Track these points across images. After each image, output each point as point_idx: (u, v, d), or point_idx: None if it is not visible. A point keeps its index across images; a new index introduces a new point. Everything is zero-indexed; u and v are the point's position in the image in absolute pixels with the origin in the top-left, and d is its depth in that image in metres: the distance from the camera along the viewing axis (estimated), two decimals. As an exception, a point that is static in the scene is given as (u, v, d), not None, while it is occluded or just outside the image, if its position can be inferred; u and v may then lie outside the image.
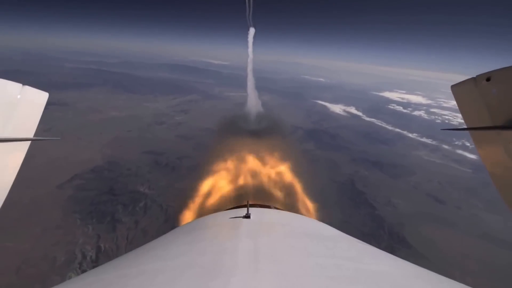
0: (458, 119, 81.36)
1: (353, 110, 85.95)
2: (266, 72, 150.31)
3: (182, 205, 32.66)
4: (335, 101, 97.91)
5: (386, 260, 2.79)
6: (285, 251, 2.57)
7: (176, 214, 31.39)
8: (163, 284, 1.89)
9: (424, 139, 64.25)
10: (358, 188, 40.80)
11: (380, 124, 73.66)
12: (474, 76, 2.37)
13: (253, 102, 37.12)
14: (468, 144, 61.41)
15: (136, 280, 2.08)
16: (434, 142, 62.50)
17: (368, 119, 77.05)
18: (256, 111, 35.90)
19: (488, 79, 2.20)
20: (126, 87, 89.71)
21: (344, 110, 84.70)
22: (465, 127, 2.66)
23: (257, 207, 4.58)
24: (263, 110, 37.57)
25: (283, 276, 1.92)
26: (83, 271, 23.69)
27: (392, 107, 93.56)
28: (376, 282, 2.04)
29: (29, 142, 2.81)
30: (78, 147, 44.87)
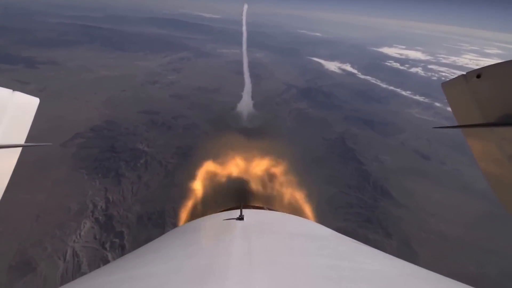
0: (455, 75, 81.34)
1: (348, 67, 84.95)
2: (260, 26, 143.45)
3: (181, 162, 34.81)
4: (331, 58, 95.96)
5: (381, 259, 2.84)
6: (279, 252, 2.58)
7: (175, 170, 33.72)
8: None
9: (417, 97, 65.22)
10: (348, 146, 42.88)
11: (375, 82, 73.69)
12: (464, 72, 2.38)
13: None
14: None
15: (129, 284, 2.08)
16: (427, 100, 63.63)
17: (363, 77, 76.73)
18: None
19: (478, 76, 2.20)
20: (115, 44, 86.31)
21: (340, 68, 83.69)
22: (457, 124, 2.66)
23: (250, 208, 4.62)
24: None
25: (278, 277, 1.92)
26: (96, 219, 26.44)
27: (389, 64, 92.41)
28: (370, 281, 2.06)
29: (20, 149, 2.75)
30: (75, 107, 45.33)
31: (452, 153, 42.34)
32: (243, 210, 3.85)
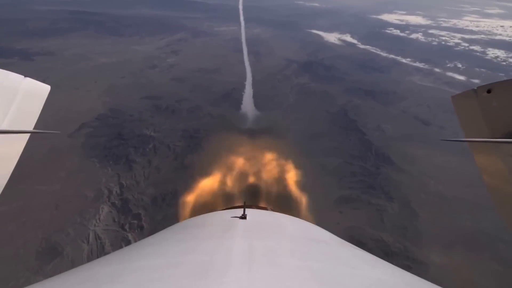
0: (455, 40, 79.48)
1: (348, 38, 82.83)
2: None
3: (188, 145, 35.73)
4: (330, 29, 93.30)
5: (380, 267, 2.82)
6: (279, 253, 2.56)
7: (184, 152, 34.74)
8: (153, 282, 1.91)
9: (417, 64, 64.25)
10: (350, 117, 43.29)
11: (375, 51, 72.18)
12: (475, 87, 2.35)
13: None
14: (460, 66, 61.91)
15: (126, 277, 2.08)
16: (426, 66, 62.72)
17: (363, 46, 75.05)
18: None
19: (489, 91, 2.18)
20: (109, 29, 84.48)
21: (339, 39, 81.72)
22: (464, 138, 2.60)
23: (253, 208, 4.64)
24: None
25: (276, 278, 1.92)
26: (112, 203, 27.88)
27: (389, 31, 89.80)
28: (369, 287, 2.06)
29: (28, 135, 2.76)
30: (77, 97, 45.76)
31: (452, 118, 42.61)
32: (246, 209, 3.84)
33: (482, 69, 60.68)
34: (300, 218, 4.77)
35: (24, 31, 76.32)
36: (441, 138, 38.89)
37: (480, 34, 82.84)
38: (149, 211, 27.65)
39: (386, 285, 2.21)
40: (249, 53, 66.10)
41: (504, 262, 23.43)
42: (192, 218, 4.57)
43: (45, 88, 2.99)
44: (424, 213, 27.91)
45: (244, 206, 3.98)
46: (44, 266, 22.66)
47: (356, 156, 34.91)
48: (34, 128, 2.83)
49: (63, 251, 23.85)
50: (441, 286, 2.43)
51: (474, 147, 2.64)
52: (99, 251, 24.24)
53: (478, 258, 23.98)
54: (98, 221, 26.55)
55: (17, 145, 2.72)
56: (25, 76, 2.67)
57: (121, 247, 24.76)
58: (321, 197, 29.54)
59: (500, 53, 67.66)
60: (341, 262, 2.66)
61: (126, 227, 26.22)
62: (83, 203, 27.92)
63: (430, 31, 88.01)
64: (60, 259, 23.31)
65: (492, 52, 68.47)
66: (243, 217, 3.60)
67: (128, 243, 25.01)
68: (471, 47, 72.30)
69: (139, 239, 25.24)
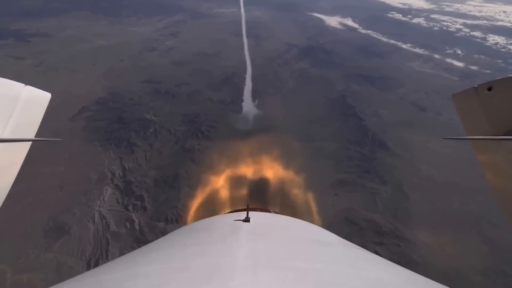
0: (457, 25, 78.57)
1: (349, 22, 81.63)
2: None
3: (188, 129, 36.25)
4: (332, 12, 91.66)
5: (386, 267, 2.80)
6: (283, 256, 2.55)
7: (184, 137, 35.34)
8: (158, 287, 1.91)
9: (417, 50, 63.99)
10: (349, 103, 43.74)
11: (376, 36, 71.52)
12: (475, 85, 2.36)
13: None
14: (459, 52, 61.79)
15: (131, 282, 2.09)
16: (426, 52, 62.53)
17: (364, 31, 74.21)
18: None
19: (489, 89, 2.16)
20: (105, 10, 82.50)
21: (340, 23, 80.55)
22: (466, 136, 2.62)
23: (257, 211, 4.65)
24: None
25: (281, 281, 1.91)
26: (116, 185, 28.76)
27: (391, 15, 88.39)
28: None
29: (30, 143, 2.74)
30: (76, 80, 45.65)
31: (448, 104, 43.16)
32: (250, 212, 3.84)
33: (481, 56, 60.67)
34: (302, 216, 4.97)
35: (18, 11, 74.44)
36: (436, 124, 39.63)
37: (482, 20, 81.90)
38: (152, 193, 28.59)
39: (392, 286, 2.21)
40: (249, 36, 65.34)
41: (489, 242, 24.82)
42: (196, 222, 4.59)
43: (46, 96, 2.96)
44: (415, 196, 29.12)
45: (247, 209, 3.99)
46: (53, 244, 23.77)
47: (353, 141, 35.73)
48: (35, 136, 2.80)
49: (70, 229, 24.92)
50: (442, 283, 2.40)
51: (476, 144, 2.62)
52: (105, 230, 25.35)
53: (464, 238, 25.34)
54: (102, 202, 27.52)
55: (19, 153, 2.69)
56: (26, 84, 2.66)
57: (125, 226, 25.92)
58: (318, 180, 30.54)
59: (500, 40, 67.37)
60: (346, 264, 2.64)
61: (130, 207, 27.23)
62: (87, 184, 28.80)
63: (433, 16, 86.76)
64: (67, 237, 24.41)
65: (493, 39, 68.17)
66: (247, 220, 3.60)
67: (132, 223, 26.12)
68: (472, 33, 71.83)
69: (143, 220, 26.25)
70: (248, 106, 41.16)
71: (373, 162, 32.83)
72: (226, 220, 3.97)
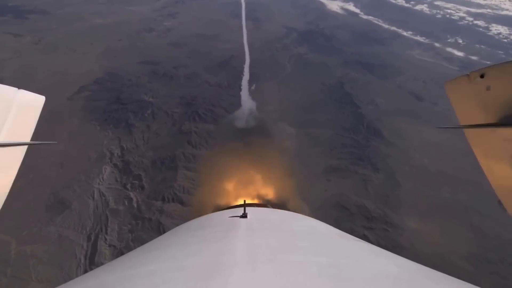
0: (460, 13, 77.17)
1: (351, 6, 79.97)
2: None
3: (185, 111, 36.57)
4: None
5: (386, 258, 2.81)
6: (282, 250, 2.55)
7: (181, 119, 35.72)
8: (159, 286, 1.92)
9: (418, 37, 63.37)
10: (346, 90, 43.83)
11: (377, 22, 70.40)
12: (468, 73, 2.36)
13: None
14: (460, 41, 61.34)
15: (132, 283, 2.09)
16: (427, 41, 61.96)
17: (365, 17, 72.88)
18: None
19: (482, 76, 2.16)
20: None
21: (342, 8, 78.99)
22: (459, 124, 2.63)
23: (254, 206, 4.69)
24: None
25: (281, 276, 1.91)
26: (114, 164, 29.48)
27: (394, 1, 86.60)
28: (375, 280, 2.06)
29: (26, 147, 2.74)
30: (74, 59, 45.37)
31: (445, 94, 43.29)
32: (247, 208, 3.88)
33: (482, 46, 60.19)
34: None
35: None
36: (432, 114, 40.10)
37: (487, 8, 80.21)
38: (149, 173, 29.40)
39: (392, 276, 2.21)
40: (248, 18, 64.15)
41: (475, 230, 25.89)
42: (193, 220, 4.62)
43: (40, 99, 2.91)
44: (407, 184, 30.05)
45: (244, 205, 4.02)
46: (55, 218, 24.78)
47: (348, 129, 36.29)
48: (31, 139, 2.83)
49: (71, 205, 25.88)
50: (443, 273, 2.43)
51: (470, 133, 2.61)
52: (104, 207, 26.31)
53: (451, 225, 26.37)
54: (101, 180, 28.34)
55: (14, 158, 2.68)
56: (19, 88, 2.61)
57: (124, 204, 26.87)
58: (311, 166, 31.41)
59: (503, 30, 66.51)
60: (345, 256, 2.66)
61: (128, 186, 28.10)
62: (87, 163, 29.53)
63: (436, 3, 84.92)
64: (68, 212, 25.39)
65: (495, 28, 67.26)
66: (244, 216, 3.64)
67: (130, 201, 27.06)
68: (475, 22, 70.67)
69: (141, 198, 27.15)
70: (246, 102, 40.14)
71: (366, 149, 33.56)
72: (224, 216, 3.98)
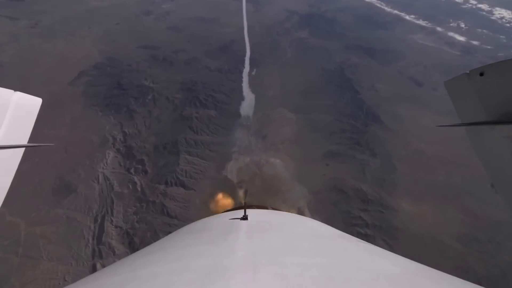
0: (464, -4, 75.49)
1: (354, -12, 78.09)
2: None
3: (186, 97, 36.74)
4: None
5: (387, 259, 2.81)
6: (283, 252, 2.56)
7: (182, 104, 35.95)
8: None
9: (420, 22, 62.35)
10: (346, 76, 43.75)
11: (379, 5, 68.94)
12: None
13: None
14: (463, 26, 60.43)
15: (134, 285, 2.10)
16: (429, 25, 61.02)
17: (368, 0, 71.54)
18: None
19: (481, 74, 2.18)
20: (98, -33, 77.86)
21: (345, -11, 77.01)
22: (460, 121, 2.64)
23: (254, 208, 4.67)
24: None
25: (283, 278, 1.90)
26: (117, 149, 30.05)
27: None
28: (375, 280, 2.06)
29: (23, 149, 2.75)
30: (72, 44, 44.97)
31: (446, 79, 43.54)
32: (247, 210, 3.87)
33: (484, 30, 59.42)
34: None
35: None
36: (431, 99, 40.20)
37: (492, -9, 78.62)
38: (152, 158, 30.05)
39: (393, 276, 2.22)
40: (248, 1, 62.83)
41: (467, 212, 26.82)
42: (194, 223, 4.61)
43: (37, 101, 2.90)
44: (403, 168, 30.83)
45: (244, 207, 4.04)
46: (61, 201, 25.65)
47: (347, 114, 36.64)
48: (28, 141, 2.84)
49: (77, 188, 26.69)
50: (444, 272, 2.45)
51: (470, 130, 2.64)
52: (109, 190, 27.12)
53: (444, 207, 27.34)
54: (105, 164, 29.02)
55: (12, 160, 2.68)
56: (15, 90, 2.64)
57: (128, 188, 27.68)
58: (310, 150, 32.05)
59: (507, 14, 65.22)
60: (347, 256, 2.67)
61: (132, 170, 28.82)
62: (90, 148, 30.11)
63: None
64: (75, 195, 26.24)
65: (499, 12, 65.94)
66: (245, 218, 3.64)
67: (134, 184, 27.85)
68: (479, 5, 69.33)
69: (145, 182, 27.96)
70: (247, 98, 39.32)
71: (365, 134, 34.09)
72: (224, 219, 3.99)
